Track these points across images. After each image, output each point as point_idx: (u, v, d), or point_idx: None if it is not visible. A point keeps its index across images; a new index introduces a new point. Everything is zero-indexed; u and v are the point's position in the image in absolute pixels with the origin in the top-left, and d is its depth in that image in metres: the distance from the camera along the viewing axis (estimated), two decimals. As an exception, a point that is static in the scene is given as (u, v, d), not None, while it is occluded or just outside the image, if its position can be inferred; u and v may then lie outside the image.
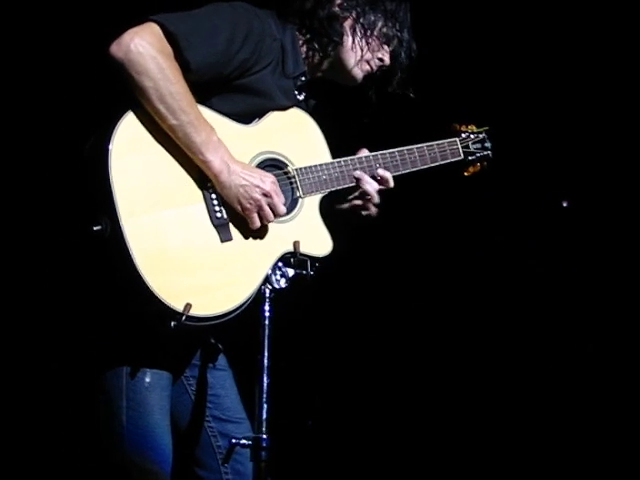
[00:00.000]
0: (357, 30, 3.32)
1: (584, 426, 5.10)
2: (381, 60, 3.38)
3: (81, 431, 4.28)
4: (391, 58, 3.41)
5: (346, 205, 3.41)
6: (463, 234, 5.19)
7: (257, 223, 3.05)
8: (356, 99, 3.51)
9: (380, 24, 3.34)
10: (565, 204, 5.11)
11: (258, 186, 3.03)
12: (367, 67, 3.37)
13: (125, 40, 2.87)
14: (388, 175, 3.39)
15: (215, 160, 2.98)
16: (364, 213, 3.40)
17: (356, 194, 3.38)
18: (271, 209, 3.06)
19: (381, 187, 3.37)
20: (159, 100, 2.91)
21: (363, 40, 3.32)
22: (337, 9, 3.31)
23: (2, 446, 4.69)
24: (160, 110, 2.92)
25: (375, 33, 3.33)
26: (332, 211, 3.39)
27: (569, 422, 5.12)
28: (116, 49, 2.88)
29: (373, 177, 3.36)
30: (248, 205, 3.03)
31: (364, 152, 3.43)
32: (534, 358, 5.18)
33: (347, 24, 3.32)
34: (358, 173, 3.35)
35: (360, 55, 3.34)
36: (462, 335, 5.25)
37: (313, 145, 3.30)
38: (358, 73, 3.37)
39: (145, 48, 2.88)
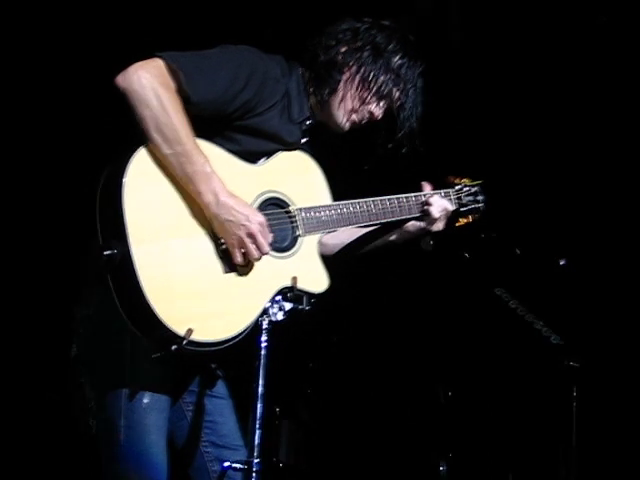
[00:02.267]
0: (354, 81, 3.42)
1: (584, 426, 5.06)
2: (371, 114, 3.48)
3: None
4: (391, 114, 3.50)
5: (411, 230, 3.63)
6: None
7: (239, 259, 3.14)
8: (357, 146, 3.67)
9: (381, 79, 3.43)
10: (562, 262, 5.20)
11: (244, 225, 3.11)
12: (355, 118, 3.48)
13: (129, 72, 3.04)
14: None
15: (205, 191, 3.08)
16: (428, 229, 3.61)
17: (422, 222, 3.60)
18: (257, 247, 3.15)
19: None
20: (155, 129, 3.04)
21: (358, 92, 3.43)
22: (339, 57, 3.41)
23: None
24: (156, 139, 3.05)
25: (372, 87, 3.43)
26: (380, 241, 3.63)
27: (569, 422, 5.09)
28: (121, 79, 3.04)
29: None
30: (230, 241, 3.13)
31: (427, 187, 3.65)
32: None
33: (346, 73, 3.42)
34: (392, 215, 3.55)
35: (351, 106, 3.45)
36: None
37: (315, 187, 3.44)
38: (344, 122, 3.47)
39: (147, 80, 3.03)
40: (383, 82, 3.45)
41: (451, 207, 3.66)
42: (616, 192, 5.26)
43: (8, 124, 4.81)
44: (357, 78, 3.43)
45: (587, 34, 5.13)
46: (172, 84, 3.10)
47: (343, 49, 3.43)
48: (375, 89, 3.45)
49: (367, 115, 3.50)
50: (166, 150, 3.06)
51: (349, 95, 3.45)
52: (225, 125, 3.25)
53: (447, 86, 4.93)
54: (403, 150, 3.56)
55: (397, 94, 3.50)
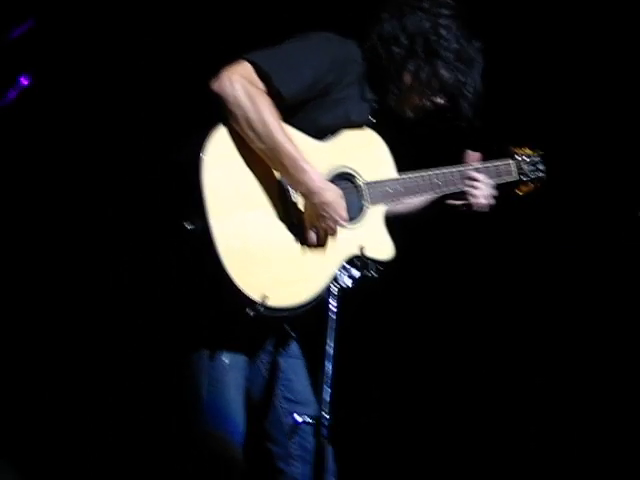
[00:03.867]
0: (416, 82, 3.63)
1: (584, 426, 5.27)
2: (436, 104, 3.70)
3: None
4: (452, 99, 3.70)
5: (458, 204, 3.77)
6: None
7: (313, 241, 3.41)
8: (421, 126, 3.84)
9: (440, 75, 3.63)
10: None
11: (331, 222, 3.39)
12: (419, 110, 3.71)
13: (222, 77, 3.29)
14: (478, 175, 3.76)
15: (299, 181, 3.35)
16: (476, 206, 3.75)
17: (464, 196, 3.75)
18: (325, 236, 3.42)
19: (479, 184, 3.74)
20: (249, 127, 3.29)
21: (420, 91, 3.65)
22: (400, 60, 3.61)
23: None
24: (250, 135, 3.30)
25: (434, 84, 3.64)
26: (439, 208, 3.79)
27: (570, 422, 5.31)
28: (215, 85, 3.29)
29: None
30: (314, 225, 3.40)
31: (471, 156, 3.80)
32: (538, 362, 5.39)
33: (408, 75, 3.62)
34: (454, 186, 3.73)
35: (415, 102, 3.69)
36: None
37: (381, 162, 3.66)
38: (409, 114, 3.71)
39: (238, 82, 3.27)
40: (444, 79, 3.65)
41: (487, 190, 3.77)
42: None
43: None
44: (419, 82, 3.64)
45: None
46: (260, 83, 3.33)
47: (401, 54, 3.62)
48: (437, 87, 3.67)
49: (431, 105, 3.72)
50: (260, 145, 3.31)
51: (413, 94, 3.68)
52: (302, 105, 3.47)
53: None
54: (463, 124, 3.74)
55: (456, 83, 3.68)
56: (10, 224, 5.01)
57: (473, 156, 3.82)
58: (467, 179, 3.76)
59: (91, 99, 5.08)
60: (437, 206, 3.84)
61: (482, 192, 3.76)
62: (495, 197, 3.81)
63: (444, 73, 3.65)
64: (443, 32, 3.64)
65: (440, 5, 3.67)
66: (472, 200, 3.76)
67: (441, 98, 3.70)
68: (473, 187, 3.75)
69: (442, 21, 3.65)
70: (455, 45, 3.65)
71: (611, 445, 5.19)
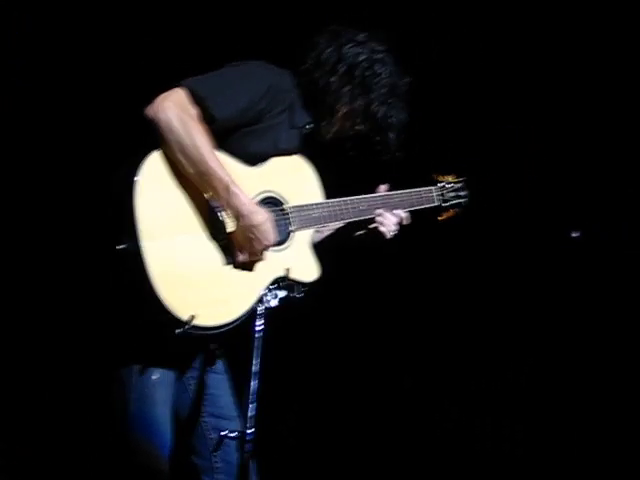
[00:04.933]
0: (347, 108, 3.79)
1: (584, 427, 5.39)
2: (357, 131, 3.85)
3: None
4: (374, 131, 3.84)
5: (367, 233, 3.91)
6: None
7: (240, 262, 3.51)
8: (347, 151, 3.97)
9: (374, 105, 3.79)
10: (575, 235, 5.26)
11: (259, 245, 3.50)
12: (341, 135, 3.86)
13: (155, 103, 3.40)
14: (402, 213, 3.90)
15: (229, 205, 3.45)
16: (380, 237, 3.89)
17: (373, 225, 3.89)
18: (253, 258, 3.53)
19: (396, 220, 3.88)
20: (180, 152, 3.39)
21: (350, 118, 3.81)
22: (334, 86, 3.76)
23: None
24: (181, 160, 3.40)
25: (363, 113, 3.80)
26: (348, 237, 3.92)
27: (570, 423, 5.43)
28: (149, 110, 3.40)
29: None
30: (244, 248, 3.51)
31: (382, 188, 3.93)
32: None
33: (341, 100, 3.78)
34: (378, 210, 3.87)
35: (341, 128, 3.84)
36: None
37: (308, 187, 3.78)
38: (331, 137, 3.85)
39: (171, 109, 3.38)
40: (374, 111, 3.81)
41: (393, 221, 3.90)
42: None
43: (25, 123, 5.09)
44: (350, 109, 3.80)
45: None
46: (193, 109, 3.44)
47: (337, 80, 3.77)
48: (365, 117, 3.83)
49: (353, 133, 3.88)
50: (191, 169, 3.41)
51: (341, 121, 3.83)
52: (233, 131, 3.59)
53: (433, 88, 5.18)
54: (385, 156, 3.90)
55: (385, 116, 3.84)
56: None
57: (382, 187, 3.96)
58: (391, 214, 3.89)
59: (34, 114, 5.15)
60: (345, 235, 3.97)
61: (387, 227, 3.89)
62: (404, 226, 3.94)
63: (376, 106, 3.81)
64: (378, 66, 3.81)
65: (375, 40, 3.85)
66: (382, 229, 3.89)
67: (365, 127, 3.85)
68: (389, 221, 3.89)
69: (377, 56, 3.82)
70: (388, 80, 3.82)
71: (611, 445, 5.31)
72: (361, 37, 3.82)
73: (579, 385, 5.44)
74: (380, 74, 3.80)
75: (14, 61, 4.91)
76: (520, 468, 5.44)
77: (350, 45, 3.80)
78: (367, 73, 3.79)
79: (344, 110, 3.81)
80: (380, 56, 3.82)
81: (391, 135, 3.86)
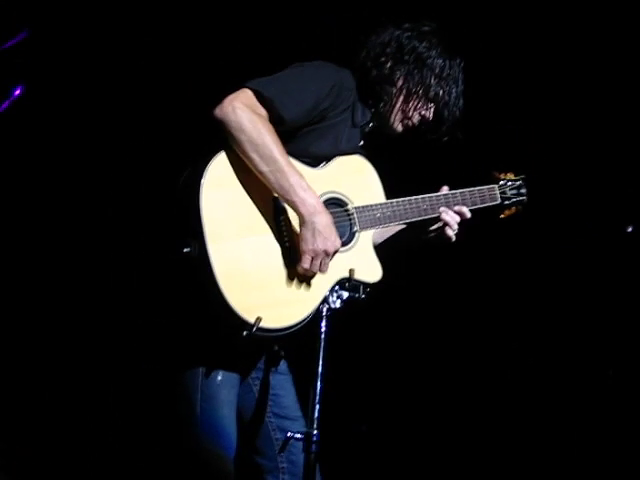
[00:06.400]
0: (405, 92, 3.80)
1: (584, 427, 5.39)
2: (423, 117, 3.85)
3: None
4: (436, 111, 3.85)
5: (432, 234, 3.90)
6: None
7: (306, 265, 3.48)
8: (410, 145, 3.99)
9: (428, 87, 3.80)
10: (630, 229, 5.27)
11: (328, 244, 3.48)
12: (409, 122, 3.86)
13: (224, 104, 3.42)
14: (464, 210, 3.88)
15: (301, 202, 3.44)
16: (446, 237, 3.87)
17: (439, 224, 3.87)
18: (321, 259, 3.49)
19: (460, 219, 3.86)
20: (253, 150, 3.41)
21: (409, 101, 3.81)
22: (389, 72, 3.78)
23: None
24: (254, 159, 3.42)
25: (422, 95, 3.80)
26: (412, 237, 3.92)
27: (570, 423, 5.43)
28: (218, 112, 3.42)
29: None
30: (309, 248, 3.47)
31: (444, 189, 3.91)
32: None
33: (397, 86, 3.79)
34: (442, 208, 3.84)
35: (404, 114, 3.83)
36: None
37: (370, 187, 3.79)
38: (399, 127, 3.86)
39: (240, 109, 3.40)
40: (431, 88, 3.81)
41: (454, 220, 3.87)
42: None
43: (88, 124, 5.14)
44: (407, 90, 3.81)
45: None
46: (262, 109, 3.46)
47: (390, 64, 3.79)
48: (424, 96, 3.82)
49: (419, 118, 3.87)
50: (264, 167, 3.43)
51: (402, 105, 3.83)
52: (297, 130, 3.61)
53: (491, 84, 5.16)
54: (445, 139, 3.90)
55: (442, 93, 3.85)
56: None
57: (445, 188, 3.93)
58: (454, 212, 3.87)
59: (92, 117, 5.18)
60: (409, 235, 3.96)
61: (453, 227, 3.87)
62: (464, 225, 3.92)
63: (432, 83, 3.81)
64: (427, 44, 3.82)
65: (425, 26, 3.87)
66: (447, 232, 3.87)
67: (428, 109, 3.85)
68: (453, 220, 3.86)
69: (425, 36, 3.84)
70: (440, 60, 3.83)
71: (611, 445, 5.31)
72: (408, 25, 3.85)
73: (579, 387, 5.46)
74: (431, 51, 3.82)
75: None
76: (520, 468, 5.46)
77: (398, 32, 3.84)
78: (419, 51, 3.80)
79: (403, 92, 3.82)
80: (430, 37, 3.83)
81: (450, 115, 3.86)
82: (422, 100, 3.83)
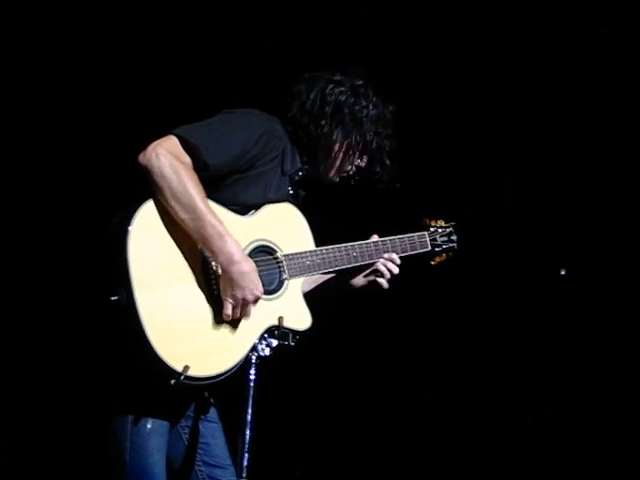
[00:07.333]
0: (343, 147, 3.84)
1: (584, 428, 5.47)
2: (358, 167, 3.91)
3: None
4: (373, 161, 3.90)
5: (363, 282, 3.95)
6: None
7: (229, 312, 3.50)
8: (340, 192, 4.04)
9: (366, 139, 3.85)
10: (563, 273, 5.43)
11: (249, 293, 3.49)
12: (344, 174, 3.91)
13: (148, 150, 3.43)
14: (394, 257, 3.93)
15: (219, 251, 3.46)
16: (377, 286, 3.93)
17: (368, 272, 3.93)
18: (243, 306, 3.52)
19: (393, 266, 3.91)
20: (173, 198, 3.42)
21: (346, 156, 3.86)
22: (326, 129, 3.81)
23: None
24: (174, 206, 3.43)
25: (359, 148, 3.86)
26: (342, 285, 3.96)
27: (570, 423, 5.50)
28: (141, 157, 3.43)
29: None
30: (231, 295, 3.50)
31: (374, 237, 3.95)
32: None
33: (335, 141, 3.83)
34: (369, 258, 3.89)
35: (339, 166, 3.89)
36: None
37: (300, 235, 3.80)
38: (335, 180, 3.92)
39: (163, 155, 3.42)
40: (369, 143, 3.87)
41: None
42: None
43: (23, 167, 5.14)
44: (346, 146, 3.86)
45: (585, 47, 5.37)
46: (186, 157, 3.48)
47: (327, 122, 3.82)
48: (362, 150, 3.88)
49: (354, 168, 3.93)
50: (183, 215, 3.44)
51: (339, 160, 3.88)
52: (224, 179, 3.63)
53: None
54: (380, 185, 3.95)
55: (380, 145, 3.91)
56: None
57: (375, 237, 3.98)
58: (384, 259, 3.92)
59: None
60: (339, 283, 4.00)
61: (391, 273, 3.93)
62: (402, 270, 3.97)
63: (370, 137, 3.86)
64: (362, 99, 3.87)
65: (352, 75, 3.91)
66: (380, 280, 3.93)
67: (362, 160, 3.91)
68: (388, 268, 3.92)
69: (359, 90, 3.88)
70: (375, 110, 3.88)
71: (610, 445, 5.40)
72: (338, 77, 3.89)
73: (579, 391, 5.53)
74: (367, 106, 3.86)
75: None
76: (520, 468, 5.51)
77: (331, 86, 3.86)
78: (355, 108, 3.85)
79: (342, 149, 3.86)
80: (362, 90, 3.88)
81: (388, 162, 3.92)
82: (359, 154, 3.89)
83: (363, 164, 3.92)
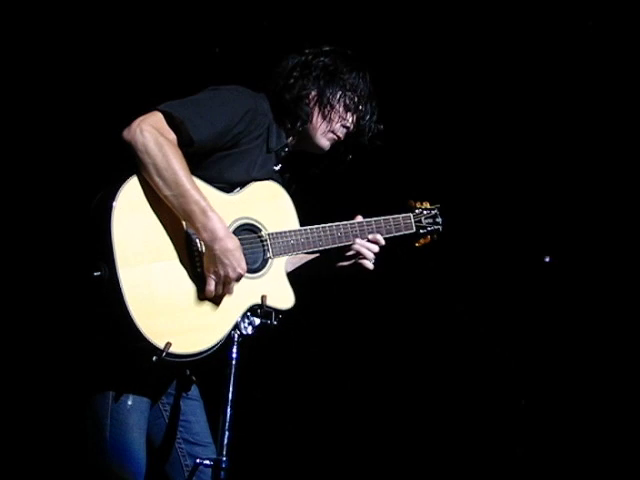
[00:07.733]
0: (320, 106, 3.84)
1: (584, 428, 5.46)
2: (345, 127, 3.90)
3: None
4: (356, 121, 3.91)
5: (347, 262, 3.93)
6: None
7: (212, 288, 3.49)
8: (326, 164, 4.04)
9: (341, 94, 3.86)
10: (547, 259, 5.41)
11: (231, 269, 3.48)
12: (333, 136, 3.90)
13: (132, 126, 3.42)
14: (379, 237, 3.92)
15: (202, 228, 3.44)
16: (362, 267, 3.91)
17: (351, 253, 3.91)
18: (226, 283, 3.50)
19: (374, 246, 3.90)
20: (157, 174, 3.41)
21: (328, 114, 3.85)
22: (302, 91, 3.82)
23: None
24: (158, 182, 3.42)
25: (337, 104, 3.85)
26: (326, 266, 3.94)
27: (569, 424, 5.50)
28: (126, 133, 3.42)
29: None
30: (214, 272, 3.48)
31: (358, 218, 3.94)
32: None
33: (312, 102, 3.83)
34: (357, 239, 3.87)
35: (325, 127, 3.87)
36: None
37: (284, 214, 3.79)
38: (325, 143, 3.90)
39: (148, 131, 3.40)
40: (345, 98, 3.87)
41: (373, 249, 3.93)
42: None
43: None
44: (323, 104, 3.85)
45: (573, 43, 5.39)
46: (171, 133, 3.47)
47: (300, 83, 3.83)
48: (341, 107, 3.87)
49: (342, 130, 3.91)
50: (167, 192, 3.43)
51: (321, 120, 3.87)
52: (209, 155, 3.62)
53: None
54: (366, 147, 3.95)
55: (357, 101, 3.91)
56: None
57: (359, 217, 3.97)
58: (368, 240, 3.91)
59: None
60: (323, 263, 3.98)
61: (373, 255, 3.92)
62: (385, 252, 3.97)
63: (345, 93, 3.87)
64: (335, 61, 3.90)
65: (325, 47, 3.95)
66: (364, 262, 3.92)
67: (347, 119, 3.90)
68: (368, 249, 3.91)
69: (332, 54, 3.92)
70: (347, 71, 3.90)
71: (610, 446, 5.39)
72: (310, 49, 3.93)
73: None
74: (338, 64, 3.89)
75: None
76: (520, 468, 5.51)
77: (302, 56, 3.90)
78: (326, 65, 3.87)
79: (319, 108, 3.86)
80: (332, 53, 3.92)
81: (372, 119, 3.92)
82: (340, 111, 3.88)
83: (349, 123, 3.90)
